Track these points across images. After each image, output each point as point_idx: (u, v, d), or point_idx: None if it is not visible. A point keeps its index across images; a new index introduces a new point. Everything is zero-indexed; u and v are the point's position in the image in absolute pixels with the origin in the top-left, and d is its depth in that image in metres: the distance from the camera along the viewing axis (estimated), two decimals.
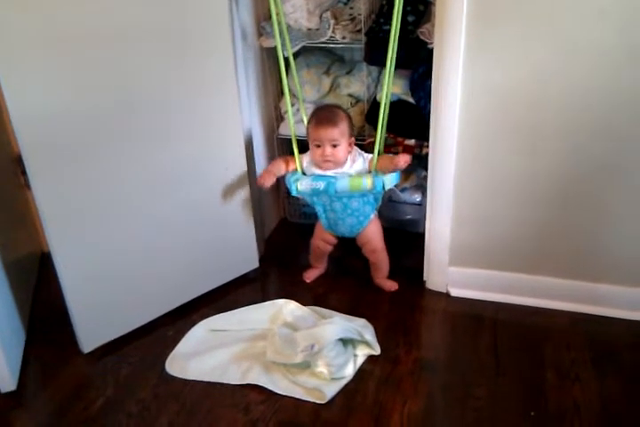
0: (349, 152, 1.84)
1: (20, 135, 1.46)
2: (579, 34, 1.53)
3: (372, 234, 1.96)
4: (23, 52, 1.39)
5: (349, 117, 1.87)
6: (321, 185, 1.80)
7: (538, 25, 1.55)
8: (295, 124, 1.98)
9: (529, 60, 1.60)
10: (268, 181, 1.86)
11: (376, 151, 1.84)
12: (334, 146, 1.79)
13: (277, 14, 1.76)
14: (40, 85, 1.45)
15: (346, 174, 1.83)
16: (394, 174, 1.84)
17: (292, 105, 1.99)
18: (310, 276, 2.11)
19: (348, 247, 2.07)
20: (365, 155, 1.87)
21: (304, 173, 1.89)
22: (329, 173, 1.84)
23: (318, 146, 1.81)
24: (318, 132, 1.79)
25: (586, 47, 1.54)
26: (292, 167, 1.91)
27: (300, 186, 1.83)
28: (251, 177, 2.02)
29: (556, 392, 1.58)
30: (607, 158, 1.67)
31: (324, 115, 1.83)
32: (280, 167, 1.90)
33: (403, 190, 2.28)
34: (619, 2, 1.47)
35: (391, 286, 2.03)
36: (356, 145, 1.90)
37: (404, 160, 1.75)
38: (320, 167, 1.85)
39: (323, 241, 2.02)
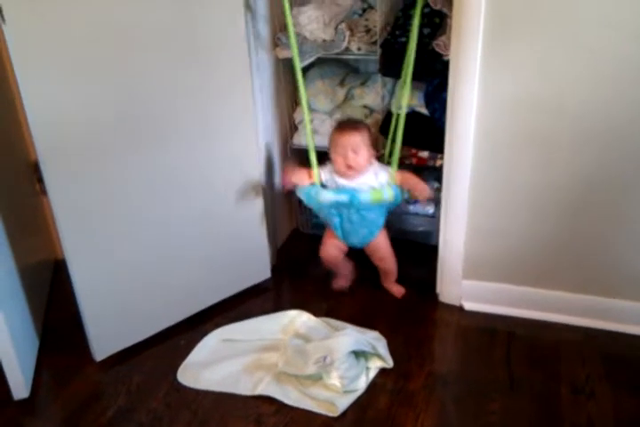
0: (371, 163, 1.87)
1: (38, 142, 1.48)
2: (595, 46, 1.53)
3: (381, 243, 1.98)
4: (41, 59, 1.41)
5: (370, 130, 1.91)
6: (345, 198, 1.82)
7: (554, 37, 1.55)
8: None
9: (545, 73, 1.60)
10: (289, 186, 1.93)
11: (394, 164, 1.87)
12: (355, 152, 1.82)
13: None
14: (58, 92, 1.47)
15: (368, 186, 1.85)
16: None
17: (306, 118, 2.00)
18: (341, 283, 2.10)
19: (360, 259, 2.07)
20: (388, 169, 1.89)
21: (322, 185, 1.89)
22: (353, 182, 1.85)
23: (341, 153, 1.83)
24: (341, 138, 1.83)
25: (602, 59, 1.54)
26: (312, 180, 1.91)
27: (322, 199, 1.84)
28: (264, 187, 2.03)
29: (571, 408, 1.57)
30: (622, 171, 1.66)
31: (346, 123, 1.91)
32: (303, 178, 1.90)
33: (415, 202, 2.28)
34: (636, 13, 1.47)
35: (398, 290, 2.06)
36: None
37: (424, 195, 1.85)
38: (343, 176, 1.86)
39: (336, 249, 2.01)
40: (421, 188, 1.85)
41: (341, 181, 1.86)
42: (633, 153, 1.63)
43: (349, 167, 1.83)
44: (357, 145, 1.81)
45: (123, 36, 1.53)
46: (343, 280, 2.11)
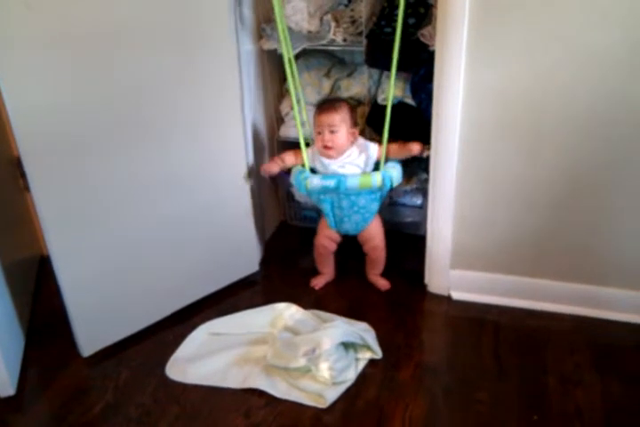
0: (352, 142, 1.87)
1: (19, 137, 1.45)
2: (580, 35, 1.53)
3: (375, 231, 1.98)
4: (23, 52, 1.39)
5: (352, 108, 1.91)
6: (331, 183, 1.82)
7: (539, 27, 1.55)
8: (294, 127, 1.99)
9: (531, 63, 1.59)
10: (274, 168, 1.94)
11: (384, 151, 1.87)
12: (332, 132, 1.82)
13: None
14: (39, 86, 1.44)
15: (354, 165, 1.86)
16: (400, 172, 1.88)
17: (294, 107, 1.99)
18: (318, 283, 2.09)
19: (349, 250, 2.06)
20: (373, 144, 1.89)
21: (312, 171, 1.89)
22: (336, 162, 1.85)
23: (319, 133, 1.84)
24: (319, 118, 1.85)
25: (587, 49, 1.54)
26: (300, 160, 1.92)
27: (310, 184, 1.84)
28: (252, 180, 2.01)
29: (559, 396, 1.57)
30: (607, 160, 1.66)
31: (326, 103, 1.91)
32: (290, 158, 1.94)
33: (404, 193, 2.28)
34: (621, 4, 1.47)
35: (384, 284, 2.05)
36: None
37: (416, 148, 1.86)
38: (323, 155, 1.87)
39: (328, 239, 2.02)
40: (410, 146, 1.86)
41: (325, 161, 1.86)
42: (618, 142, 1.63)
43: (326, 147, 1.84)
44: (335, 124, 1.82)
45: (108, 29, 1.51)
46: (322, 279, 2.10)
